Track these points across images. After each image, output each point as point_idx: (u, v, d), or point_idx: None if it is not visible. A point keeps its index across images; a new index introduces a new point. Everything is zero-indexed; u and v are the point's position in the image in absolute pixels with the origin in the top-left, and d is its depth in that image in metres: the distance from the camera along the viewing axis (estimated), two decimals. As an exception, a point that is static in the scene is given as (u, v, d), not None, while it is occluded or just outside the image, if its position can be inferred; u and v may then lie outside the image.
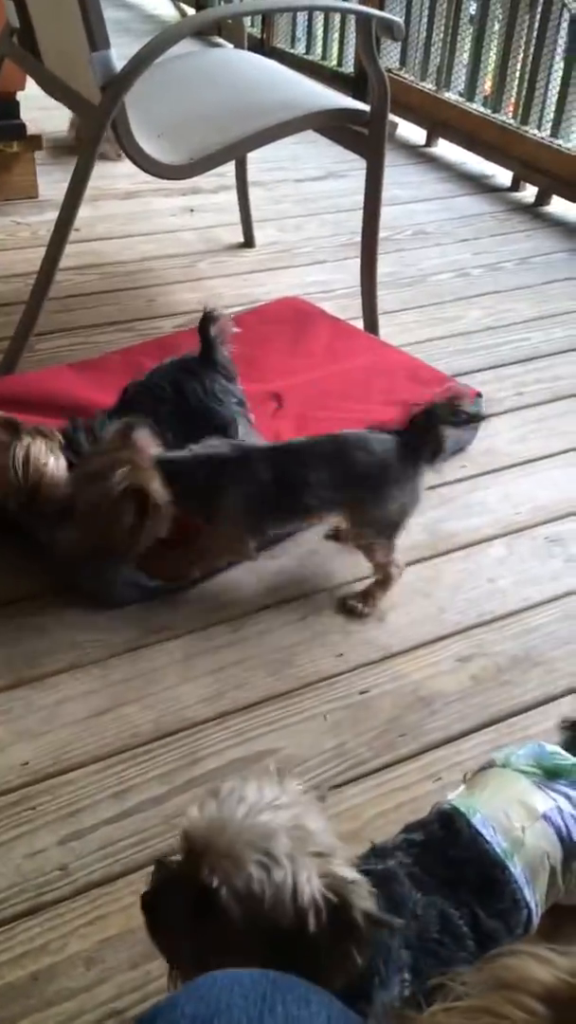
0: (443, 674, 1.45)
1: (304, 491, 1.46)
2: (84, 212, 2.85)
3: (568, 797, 0.97)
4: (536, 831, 0.94)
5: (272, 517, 1.52)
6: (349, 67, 3.90)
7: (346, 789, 1.26)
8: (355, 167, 3.20)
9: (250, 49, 4.18)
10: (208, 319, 1.65)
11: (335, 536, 1.67)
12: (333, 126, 2.12)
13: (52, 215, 2.78)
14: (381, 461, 1.47)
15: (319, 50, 4.11)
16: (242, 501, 1.46)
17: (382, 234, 2.79)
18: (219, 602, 1.56)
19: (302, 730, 1.34)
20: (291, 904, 0.75)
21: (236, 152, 1.92)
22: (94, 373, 1.91)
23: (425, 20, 3.52)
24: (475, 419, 1.53)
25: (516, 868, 0.92)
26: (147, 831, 1.20)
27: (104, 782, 1.26)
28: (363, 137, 2.06)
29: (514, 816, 0.94)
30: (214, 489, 1.45)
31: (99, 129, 1.76)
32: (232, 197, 2.72)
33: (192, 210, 2.93)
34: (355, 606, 1.55)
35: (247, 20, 4.48)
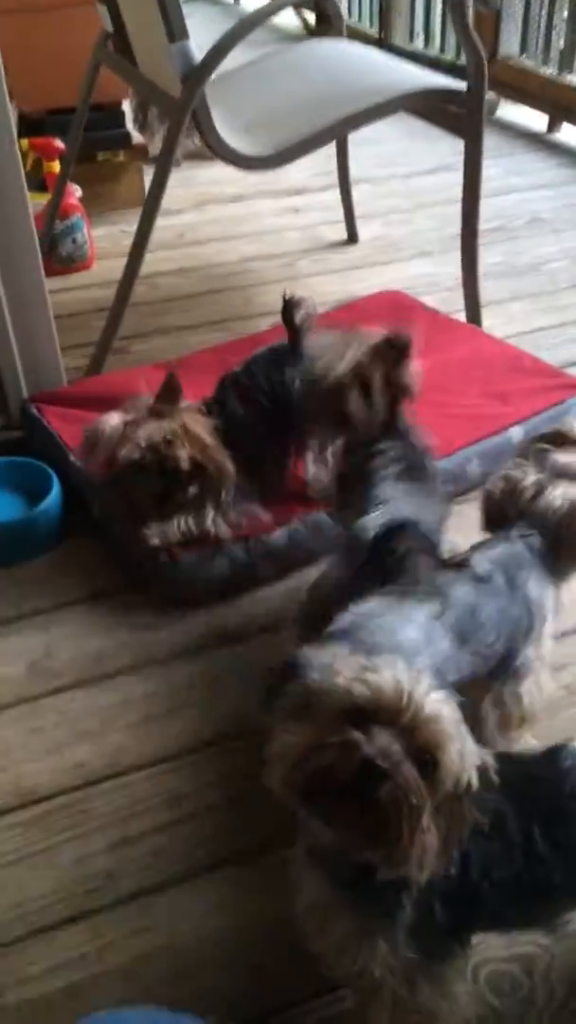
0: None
1: None
2: (190, 217, 2.91)
3: None
4: None
5: None
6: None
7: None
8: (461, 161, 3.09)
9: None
10: (290, 306, 1.59)
11: None
12: (431, 107, 2.02)
13: (159, 222, 2.83)
14: None
15: (438, 44, 4.01)
16: None
17: (494, 224, 2.68)
18: (294, 605, 1.48)
19: (371, 740, 1.25)
20: None
21: (324, 139, 1.84)
22: (179, 371, 1.87)
23: (546, 3, 3.36)
24: None
25: None
26: (196, 839, 1.14)
27: (158, 787, 1.20)
28: (461, 117, 1.95)
29: None
30: None
31: (179, 121, 1.73)
32: (339, 195, 2.65)
33: (297, 210, 2.89)
34: None
35: (366, 20, 4.44)
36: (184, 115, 1.72)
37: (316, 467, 1.61)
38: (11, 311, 1.75)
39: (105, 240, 2.70)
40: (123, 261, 2.64)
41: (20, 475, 1.67)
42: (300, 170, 2.55)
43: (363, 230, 2.69)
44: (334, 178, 2.67)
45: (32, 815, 1.17)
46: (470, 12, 1.83)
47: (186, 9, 1.71)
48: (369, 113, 1.86)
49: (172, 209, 2.90)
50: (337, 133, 1.87)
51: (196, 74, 1.69)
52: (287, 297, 1.59)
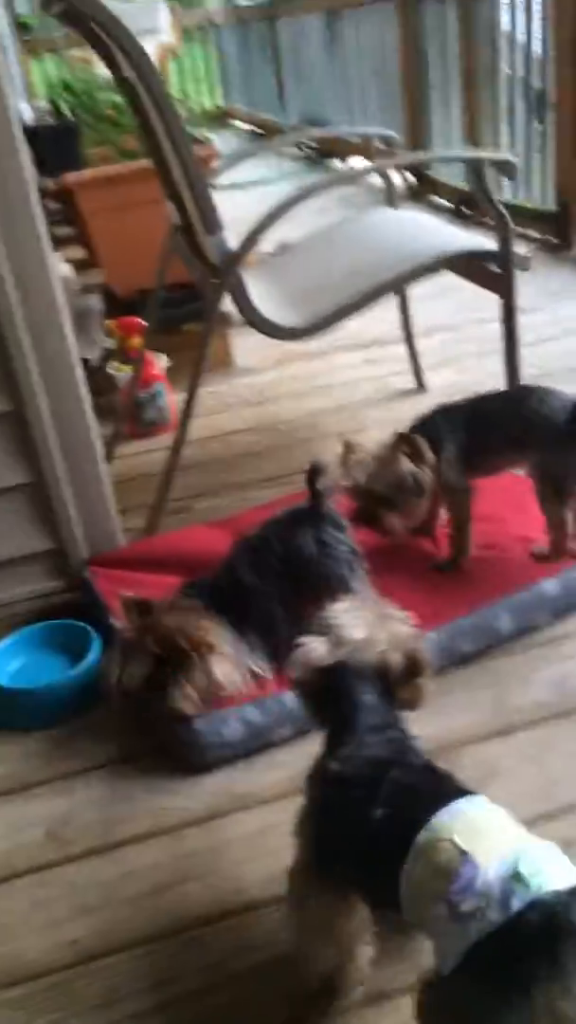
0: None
1: None
2: (270, 376, 3.06)
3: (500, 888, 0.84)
4: (450, 855, 0.88)
5: None
6: (551, 204, 3.87)
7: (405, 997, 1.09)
8: (545, 302, 3.16)
9: (458, 201, 4.32)
10: (315, 471, 1.65)
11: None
12: (472, 267, 2.09)
13: (240, 380, 3.00)
14: None
15: (521, 193, 4.13)
16: None
17: (567, 364, 2.69)
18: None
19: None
20: None
21: (358, 307, 1.94)
22: (226, 530, 1.95)
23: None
24: None
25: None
26: (175, 1029, 1.11)
27: (146, 969, 1.19)
28: (497, 276, 2.00)
29: (464, 833, 0.89)
30: None
31: (215, 302, 1.87)
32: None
33: (373, 361, 2.99)
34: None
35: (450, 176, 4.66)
36: (219, 297, 1.86)
37: None
38: (70, 483, 1.87)
39: (189, 403, 2.87)
40: (205, 422, 2.81)
41: (66, 636, 1.75)
42: (379, 322, 2.67)
43: (436, 377, 2.75)
44: (412, 329, 2.77)
45: (19, 994, 1.17)
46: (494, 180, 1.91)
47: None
48: (400, 279, 1.95)
49: (256, 368, 3.07)
50: (372, 299, 1.95)
51: (229, 262, 1.83)
52: (313, 463, 1.65)
